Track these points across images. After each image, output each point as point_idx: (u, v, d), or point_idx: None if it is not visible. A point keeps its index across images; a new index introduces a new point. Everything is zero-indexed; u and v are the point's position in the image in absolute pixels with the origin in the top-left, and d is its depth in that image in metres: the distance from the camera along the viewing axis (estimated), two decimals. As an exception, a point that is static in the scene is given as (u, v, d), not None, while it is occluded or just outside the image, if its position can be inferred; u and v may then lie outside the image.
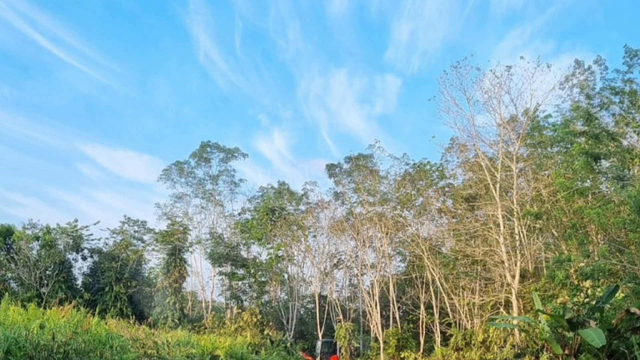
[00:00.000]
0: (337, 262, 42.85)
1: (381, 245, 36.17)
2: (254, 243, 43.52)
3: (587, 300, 17.08)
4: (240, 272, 41.71)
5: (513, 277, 23.86)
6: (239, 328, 32.90)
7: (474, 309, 29.40)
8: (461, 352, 26.18)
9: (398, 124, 75.02)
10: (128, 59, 74.47)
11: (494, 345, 24.31)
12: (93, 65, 72.01)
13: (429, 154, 76.53)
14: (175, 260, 36.08)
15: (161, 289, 35.50)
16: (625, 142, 22.09)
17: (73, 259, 35.02)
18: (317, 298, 40.14)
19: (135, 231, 40.19)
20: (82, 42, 70.17)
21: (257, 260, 42.32)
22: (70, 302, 19.25)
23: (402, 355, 30.47)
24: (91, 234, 35.53)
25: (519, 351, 22.39)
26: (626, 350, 14.41)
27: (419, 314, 33.56)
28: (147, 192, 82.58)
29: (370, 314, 35.82)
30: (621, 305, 16.39)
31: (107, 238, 37.32)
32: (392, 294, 35.00)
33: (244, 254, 43.70)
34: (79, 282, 35.35)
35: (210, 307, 41.66)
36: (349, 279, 44.48)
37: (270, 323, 36.18)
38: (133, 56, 75.15)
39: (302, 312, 44.62)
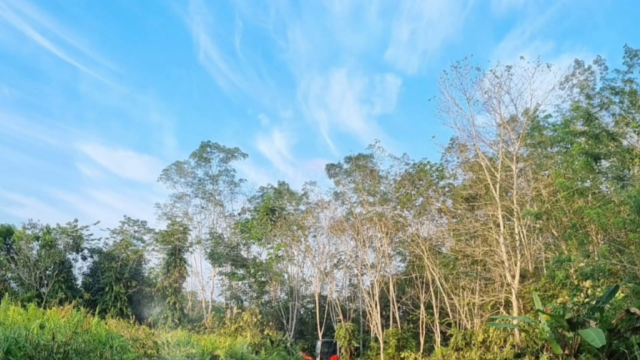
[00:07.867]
0: (337, 262, 42.85)
1: (381, 245, 36.17)
2: (254, 243, 43.55)
3: (587, 300, 17.07)
4: (240, 272, 41.75)
5: (513, 277, 23.85)
6: (239, 328, 32.85)
7: (474, 309, 29.41)
8: (461, 352, 26.17)
9: (398, 124, 74.90)
10: (128, 59, 74.43)
11: (494, 345, 24.30)
12: (93, 65, 71.91)
13: (429, 154, 76.59)
14: (175, 260, 36.05)
15: (161, 289, 35.45)
16: (625, 142, 22.06)
17: (73, 259, 34.93)
18: (317, 298, 40.11)
19: (135, 231, 40.16)
20: (82, 42, 70.09)
21: (257, 260, 42.32)
22: (70, 302, 19.25)
23: (402, 355, 30.46)
24: (91, 234, 35.46)
25: (519, 351, 22.40)
26: (626, 350, 14.41)
27: (419, 314, 33.56)
28: (147, 192, 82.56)
29: (370, 314, 35.81)
30: (621, 305, 16.39)
31: (107, 238, 37.26)
32: (392, 294, 34.99)
33: (244, 254, 43.74)
34: (79, 282, 35.27)
35: (210, 307, 41.64)
36: (349, 279, 44.52)
37: (270, 323, 36.13)
38: (133, 56, 75.11)
39: (302, 312, 44.58)
